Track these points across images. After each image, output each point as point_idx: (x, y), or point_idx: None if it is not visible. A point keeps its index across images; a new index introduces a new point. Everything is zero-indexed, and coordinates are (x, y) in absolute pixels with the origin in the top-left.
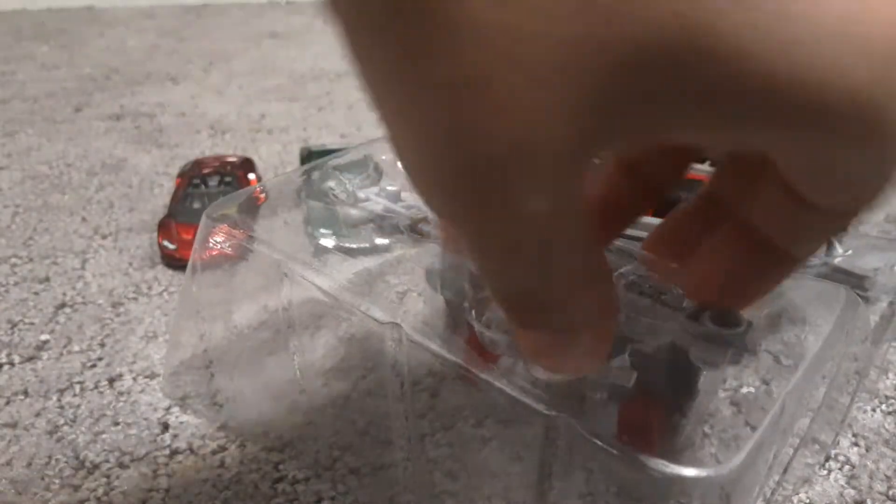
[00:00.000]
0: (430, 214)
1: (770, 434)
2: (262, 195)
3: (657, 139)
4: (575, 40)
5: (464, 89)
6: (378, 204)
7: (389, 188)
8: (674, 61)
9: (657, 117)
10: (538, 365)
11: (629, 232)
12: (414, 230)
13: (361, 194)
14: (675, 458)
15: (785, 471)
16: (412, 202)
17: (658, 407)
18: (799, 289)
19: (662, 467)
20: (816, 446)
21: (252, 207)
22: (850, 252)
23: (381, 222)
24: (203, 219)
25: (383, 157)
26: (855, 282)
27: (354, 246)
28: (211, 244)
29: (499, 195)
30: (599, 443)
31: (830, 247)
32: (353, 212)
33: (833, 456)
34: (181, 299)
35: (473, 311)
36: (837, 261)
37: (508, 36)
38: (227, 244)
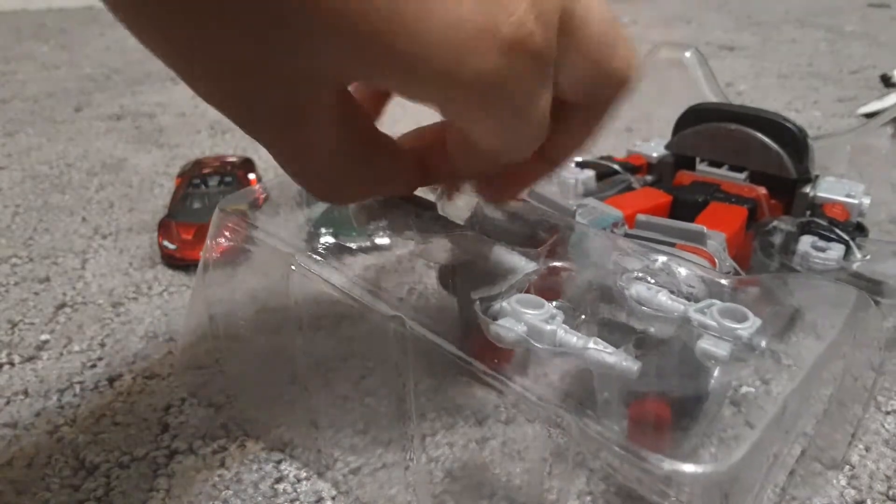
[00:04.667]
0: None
1: (770, 433)
2: (263, 195)
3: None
4: None
5: None
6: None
7: None
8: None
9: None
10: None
11: (641, 233)
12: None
13: None
14: (678, 456)
15: (791, 473)
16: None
17: (669, 406)
18: (810, 289)
19: (661, 463)
20: (828, 454)
21: (254, 207)
22: (868, 257)
23: (387, 222)
24: (216, 212)
25: None
26: (873, 287)
27: (355, 245)
28: (221, 239)
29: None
30: (602, 439)
31: (849, 251)
32: (360, 211)
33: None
34: (193, 296)
35: (479, 304)
36: (856, 266)
37: None
38: (238, 239)
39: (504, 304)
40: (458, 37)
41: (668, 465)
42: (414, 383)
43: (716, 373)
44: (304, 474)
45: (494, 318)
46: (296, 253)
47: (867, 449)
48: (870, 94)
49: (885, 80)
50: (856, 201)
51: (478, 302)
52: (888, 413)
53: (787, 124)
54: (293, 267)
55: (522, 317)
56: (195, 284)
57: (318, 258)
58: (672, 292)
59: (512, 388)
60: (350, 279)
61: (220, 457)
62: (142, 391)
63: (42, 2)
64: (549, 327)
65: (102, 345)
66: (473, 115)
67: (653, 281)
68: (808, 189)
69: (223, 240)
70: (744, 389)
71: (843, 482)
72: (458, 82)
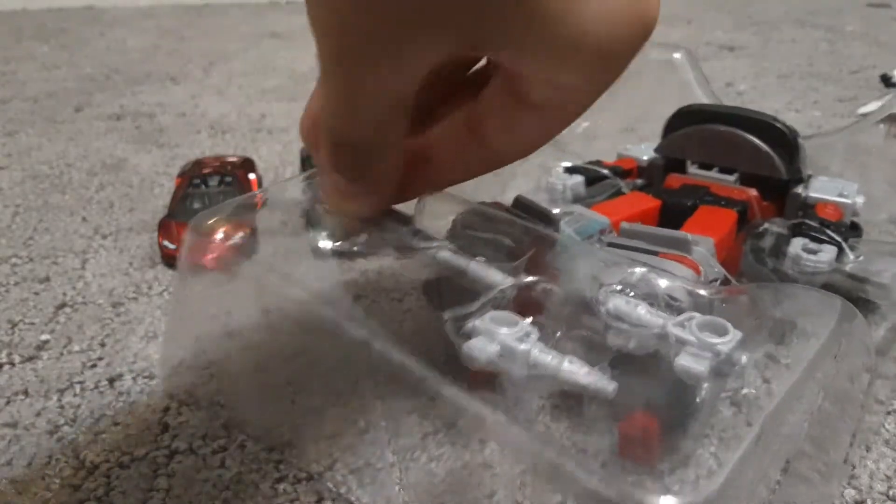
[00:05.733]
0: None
1: (750, 458)
2: (262, 198)
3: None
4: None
5: None
6: None
7: None
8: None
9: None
10: (329, 200)
11: (625, 242)
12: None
13: None
14: (655, 488)
15: (790, 473)
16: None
17: (657, 422)
18: (795, 298)
19: (636, 494)
20: (829, 456)
21: (250, 210)
22: (861, 258)
23: (366, 237)
24: (188, 230)
25: None
26: (867, 289)
27: (354, 249)
28: (196, 253)
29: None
30: (575, 468)
31: (842, 252)
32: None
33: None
34: (173, 302)
35: (451, 324)
36: (849, 267)
37: None
38: (212, 255)
39: (477, 322)
40: (613, 22)
41: (643, 496)
42: (387, 403)
43: (704, 385)
44: (304, 474)
45: (468, 337)
46: (268, 272)
47: (867, 449)
48: (870, 94)
49: (885, 80)
50: (849, 201)
51: (449, 321)
52: (889, 413)
53: (777, 124)
54: (267, 287)
55: (496, 335)
56: (174, 291)
57: (291, 276)
58: (652, 305)
59: (482, 413)
60: (321, 298)
61: (220, 457)
62: (142, 391)
63: (42, 2)
64: (522, 347)
65: (102, 345)
66: (588, 83)
67: (632, 294)
68: (799, 189)
69: (199, 253)
70: (745, 390)
71: (843, 482)
72: (602, 59)
